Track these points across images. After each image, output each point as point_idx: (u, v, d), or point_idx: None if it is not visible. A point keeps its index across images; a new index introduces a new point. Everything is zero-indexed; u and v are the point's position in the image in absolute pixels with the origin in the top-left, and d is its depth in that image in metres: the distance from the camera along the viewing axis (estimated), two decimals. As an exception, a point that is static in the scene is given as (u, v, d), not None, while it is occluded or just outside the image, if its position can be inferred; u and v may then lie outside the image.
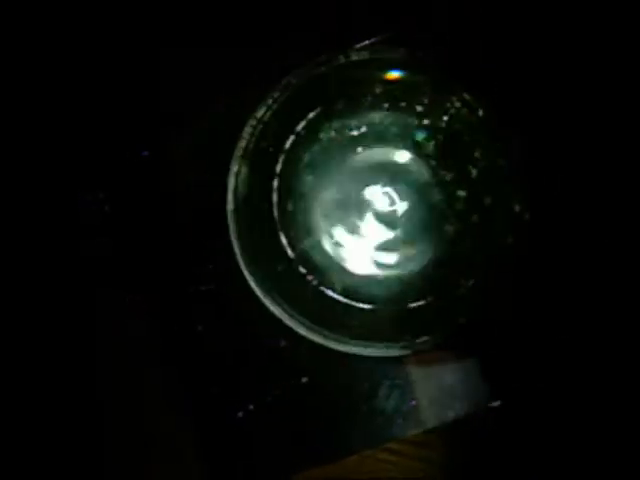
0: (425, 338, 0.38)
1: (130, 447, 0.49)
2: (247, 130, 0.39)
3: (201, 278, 0.48)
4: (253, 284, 0.38)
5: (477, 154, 0.40)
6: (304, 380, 0.48)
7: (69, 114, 0.49)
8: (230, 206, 0.38)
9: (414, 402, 0.47)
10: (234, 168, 0.38)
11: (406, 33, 0.44)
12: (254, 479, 0.49)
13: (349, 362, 0.47)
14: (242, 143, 0.39)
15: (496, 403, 0.45)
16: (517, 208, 0.38)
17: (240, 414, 0.48)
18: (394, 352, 0.38)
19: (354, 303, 0.41)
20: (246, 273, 0.38)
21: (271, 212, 0.40)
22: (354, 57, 0.39)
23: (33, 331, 0.49)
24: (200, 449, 0.48)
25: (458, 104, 0.40)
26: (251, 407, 0.48)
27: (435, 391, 0.47)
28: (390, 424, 0.47)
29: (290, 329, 0.46)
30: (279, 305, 0.38)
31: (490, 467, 0.47)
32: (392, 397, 0.47)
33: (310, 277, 0.41)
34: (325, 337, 0.38)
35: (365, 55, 0.38)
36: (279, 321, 0.46)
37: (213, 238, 0.46)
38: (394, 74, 0.41)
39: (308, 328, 0.38)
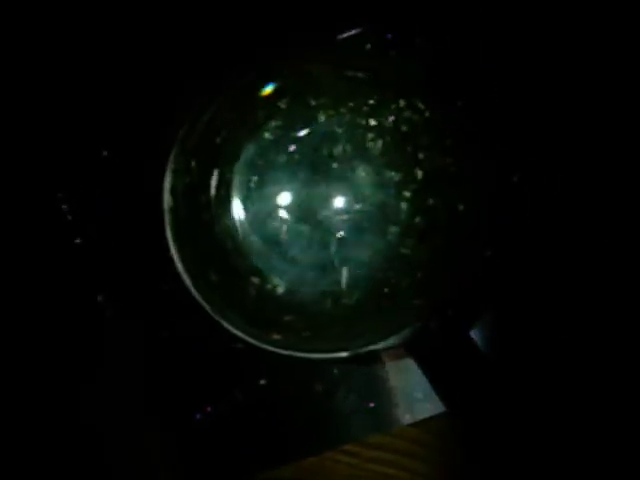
0: (369, 339, 0.37)
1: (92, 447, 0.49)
2: (188, 127, 0.39)
3: (161, 278, 0.48)
4: (190, 287, 0.38)
5: (422, 155, 0.39)
6: (262, 382, 0.48)
7: (28, 114, 0.49)
8: (166, 205, 0.38)
9: (372, 404, 0.47)
10: (171, 166, 0.38)
11: (363, 33, 0.43)
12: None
13: (307, 364, 0.47)
14: (183, 139, 0.38)
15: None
16: (461, 208, 0.37)
17: (198, 416, 0.48)
18: (340, 354, 0.38)
19: (298, 303, 0.40)
20: (184, 277, 0.38)
21: (210, 212, 0.40)
22: (301, 54, 0.38)
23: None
24: (158, 450, 0.48)
25: (403, 104, 0.39)
26: (209, 409, 0.48)
27: (393, 393, 0.47)
28: (348, 426, 0.47)
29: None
30: (217, 309, 0.38)
31: (449, 471, 0.47)
32: (350, 399, 0.47)
33: (253, 278, 0.41)
34: (268, 342, 0.37)
35: (315, 52, 0.38)
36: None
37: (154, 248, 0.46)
38: (342, 72, 0.40)
39: (250, 334, 0.37)
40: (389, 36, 0.39)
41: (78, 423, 0.49)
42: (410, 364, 0.46)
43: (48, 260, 0.49)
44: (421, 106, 0.38)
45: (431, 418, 0.46)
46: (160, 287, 0.48)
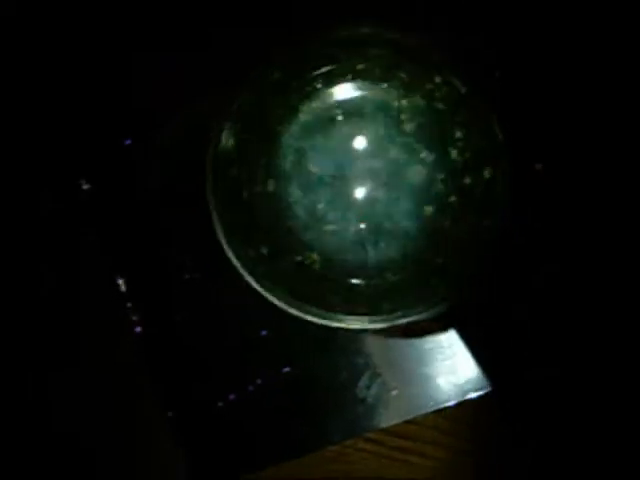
0: (403, 312, 0.38)
1: (111, 436, 0.48)
2: (228, 114, 0.40)
3: (184, 267, 0.49)
4: (235, 262, 0.38)
5: (458, 134, 0.41)
6: (285, 370, 0.48)
7: (51, 104, 0.50)
8: (209, 184, 0.38)
9: (395, 392, 0.47)
10: (213, 144, 0.38)
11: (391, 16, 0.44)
12: (235, 469, 0.48)
13: (331, 351, 0.48)
14: (226, 116, 0.39)
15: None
16: (498, 189, 0.38)
17: (220, 404, 0.48)
18: (376, 325, 0.38)
19: (335, 278, 0.41)
20: (228, 252, 0.38)
21: (250, 189, 0.41)
22: (333, 36, 0.39)
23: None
24: (180, 438, 0.48)
25: (439, 81, 0.40)
26: (232, 397, 0.48)
27: (416, 381, 0.47)
28: (371, 414, 0.47)
29: (272, 318, 0.46)
30: (259, 282, 0.38)
31: (471, 459, 0.47)
32: (373, 387, 0.47)
33: (292, 252, 0.41)
34: (306, 311, 0.38)
35: (344, 33, 0.39)
36: (261, 310, 0.47)
37: (197, 227, 0.47)
38: (374, 51, 0.41)
39: (288, 303, 0.38)
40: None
41: (90, 410, 0.49)
42: (433, 351, 0.47)
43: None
44: (457, 82, 0.39)
45: (454, 405, 0.47)
46: (181, 277, 0.48)
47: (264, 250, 0.41)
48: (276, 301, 0.38)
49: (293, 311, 0.38)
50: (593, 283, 0.45)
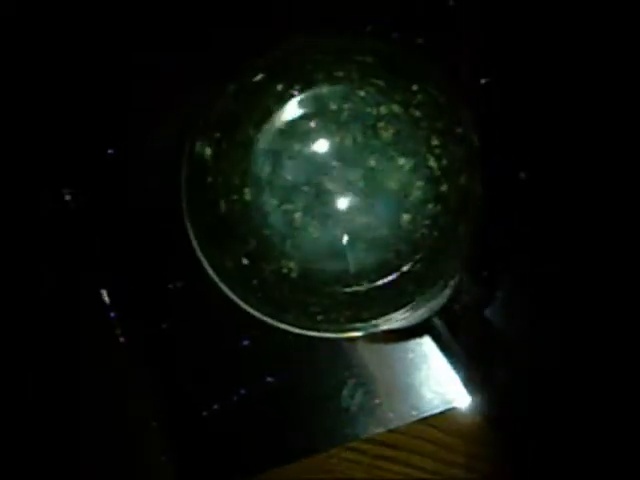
0: (382, 320, 0.38)
1: (97, 444, 0.49)
2: (204, 121, 0.40)
3: (168, 276, 0.48)
4: (211, 272, 0.38)
5: (435, 142, 0.41)
6: (269, 379, 0.48)
7: (35, 112, 0.50)
8: (184, 194, 0.38)
9: (379, 400, 0.47)
10: (187, 155, 0.38)
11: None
12: (218, 478, 0.48)
13: (314, 360, 0.48)
14: (199, 128, 0.39)
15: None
16: (475, 195, 0.38)
17: (205, 413, 0.48)
18: (354, 333, 0.38)
19: (313, 286, 0.41)
20: (204, 262, 0.38)
21: (228, 198, 0.41)
22: (312, 41, 0.39)
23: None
24: (165, 447, 0.48)
25: (416, 88, 0.40)
26: (216, 406, 0.48)
27: (400, 390, 0.47)
28: (354, 423, 0.47)
29: (255, 328, 0.46)
30: (236, 292, 0.38)
31: (457, 468, 0.47)
32: (356, 396, 0.47)
33: (269, 261, 0.41)
34: (284, 321, 0.38)
35: (324, 39, 0.39)
36: (244, 320, 0.46)
37: (181, 237, 0.47)
38: (352, 57, 0.41)
39: (266, 313, 0.38)
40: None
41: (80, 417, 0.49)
42: (416, 360, 0.47)
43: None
44: (434, 91, 0.39)
45: (439, 414, 0.47)
46: (165, 286, 0.48)
47: (241, 259, 0.41)
48: (253, 311, 0.38)
49: (270, 320, 0.38)
50: (580, 287, 0.45)
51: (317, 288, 0.41)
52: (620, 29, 0.45)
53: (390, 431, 0.47)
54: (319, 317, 0.39)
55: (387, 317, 0.38)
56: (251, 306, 0.38)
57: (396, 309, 0.38)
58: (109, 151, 0.49)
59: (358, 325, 0.38)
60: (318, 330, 0.38)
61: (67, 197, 0.49)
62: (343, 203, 0.41)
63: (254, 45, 0.43)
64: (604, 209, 0.45)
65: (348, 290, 0.41)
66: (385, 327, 0.38)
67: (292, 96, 0.41)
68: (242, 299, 0.38)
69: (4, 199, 0.49)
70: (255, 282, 0.40)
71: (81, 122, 0.50)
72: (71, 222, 0.49)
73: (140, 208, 0.49)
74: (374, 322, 0.38)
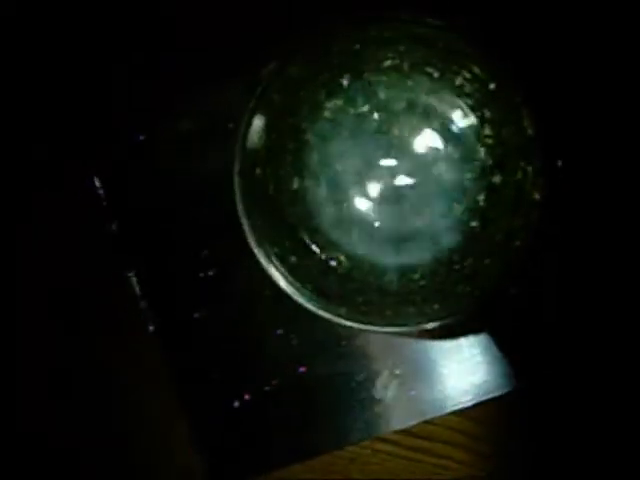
0: (429, 317, 0.37)
1: (127, 433, 0.48)
2: (250, 108, 0.39)
3: (202, 264, 0.48)
4: (263, 261, 0.37)
5: (487, 131, 0.40)
6: (302, 370, 0.47)
7: (64, 99, 0.49)
8: (237, 186, 0.37)
9: (413, 392, 0.47)
10: (240, 146, 0.38)
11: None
12: (251, 469, 0.48)
13: (347, 351, 0.47)
14: (248, 120, 0.38)
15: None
16: (527, 188, 0.38)
17: (236, 404, 0.47)
18: (401, 329, 0.38)
19: (361, 279, 0.40)
20: (257, 251, 0.37)
21: (279, 188, 0.40)
22: (361, 31, 0.39)
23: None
24: (196, 437, 0.47)
25: (468, 76, 0.40)
26: (247, 397, 0.47)
27: (435, 381, 0.47)
28: (388, 414, 0.47)
29: (288, 317, 0.46)
30: (286, 281, 0.37)
31: (490, 459, 0.47)
32: (391, 387, 0.47)
33: (319, 252, 0.40)
34: (331, 312, 0.37)
35: (372, 29, 0.38)
36: (276, 310, 0.46)
37: (215, 225, 0.46)
38: (401, 47, 0.40)
39: (314, 303, 0.37)
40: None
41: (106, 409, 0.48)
42: (452, 352, 0.47)
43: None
44: (485, 77, 0.39)
45: (473, 406, 0.46)
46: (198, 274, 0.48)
47: (290, 249, 0.40)
48: (302, 300, 0.37)
49: (319, 311, 0.37)
50: (622, 284, 0.44)
51: (365, 281, 0.40)
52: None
53: (425, 422, 0.47)
54: (365, 310, 0.39)
55: (434, 315, 0.37)
56: (300, 295, 0.37)
57: (444, 307, 0.37)
58: (140, 137, 0.48)
59: (404, 321, 0.38)
60: (365, 324, 0.38)
61: (98, 184, 0.48)
62: (393, 194, 0.41)
63: (300, 35, 0.42)
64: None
65: (397, 284, 0.40)
66: (431, 326, 0.38)
67: (341, 86, 0.41)
68: (291, 288, 0.37)
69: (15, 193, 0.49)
70: (303, 272, 0.39)
71: (81, 122, 0.49)
72: (103, 210, 0.48)
73: (172, 195, 0.48)
74: (421, 319, 0.37)
